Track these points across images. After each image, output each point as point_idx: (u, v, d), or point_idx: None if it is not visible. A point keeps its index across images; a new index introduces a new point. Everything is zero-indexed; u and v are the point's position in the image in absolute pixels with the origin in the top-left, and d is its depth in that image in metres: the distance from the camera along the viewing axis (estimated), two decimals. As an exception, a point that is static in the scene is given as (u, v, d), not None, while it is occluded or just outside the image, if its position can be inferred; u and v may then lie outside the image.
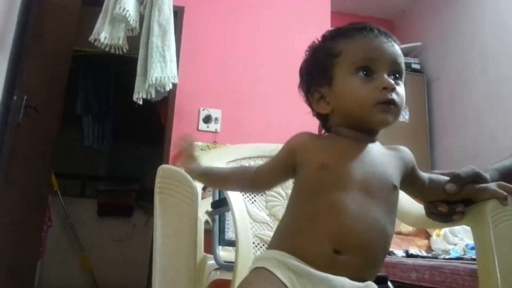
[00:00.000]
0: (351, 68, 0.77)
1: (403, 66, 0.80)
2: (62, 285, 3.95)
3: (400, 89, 0.78)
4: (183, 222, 0.80)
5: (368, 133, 0.81)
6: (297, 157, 0.80)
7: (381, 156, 0.81)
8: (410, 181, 0.86)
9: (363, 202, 0.74)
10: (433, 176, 0.90)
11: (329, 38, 0.83)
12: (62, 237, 4.12)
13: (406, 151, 0.87)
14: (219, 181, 0.90)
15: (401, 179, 0.83)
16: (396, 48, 0.79)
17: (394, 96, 0.76)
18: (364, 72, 0.76)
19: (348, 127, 0.80)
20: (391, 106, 0.76)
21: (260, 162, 1.17)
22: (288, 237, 0.76)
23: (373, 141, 0.82)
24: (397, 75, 0.79)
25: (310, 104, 0.85)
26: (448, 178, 0.87)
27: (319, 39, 0.85)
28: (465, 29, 3.43)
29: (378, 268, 0.77)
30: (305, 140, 0.81)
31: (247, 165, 0.88)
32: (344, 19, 4.09)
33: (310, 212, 0.74)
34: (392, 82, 0.76)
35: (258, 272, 0.72)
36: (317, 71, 0.82)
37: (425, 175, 0.90)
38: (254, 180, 0.84)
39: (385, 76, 0.76)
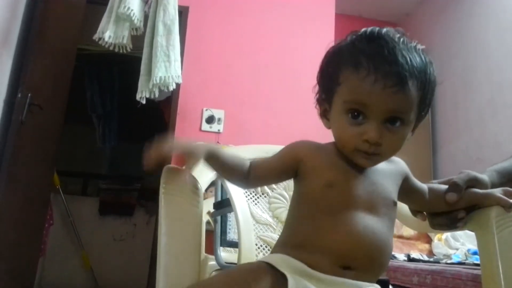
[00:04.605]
0: (344, 107, 0.75)
1: (403, 113, 0.73)
2: (63, 283, 3.95)
3: (392, 135, 0.73)
4: (188, 222, 0.80)
5: None
6: (301, 166, 0.80)
7: (381, 172, 0.82)
8: (406, 193, 0.87)
9: (368, 221, 0.75)
10: (434, 186, 0.90)
11: (344, 52, 0.77)
12: (63, 235, 4.11)
13: (400, 162, 0.87)
14: (217, 166, 0.83)
15: (398, 192, 0.84)
16: (398, 96, 0.71)
17: (373, 149, 0.73)
18: (356, 114, 0.73)
19: None
20: (370, 156, 0.75)
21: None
22: (295, 250, 0.75)
23: None
24: (396, 120, 0.73)
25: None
26: (446, 186, 0.87)
27: (334, 46, 0.80)
28: (469, 33, 3.43)
29: (381, 275, 0.79)
30: (311, 152, 0.81)
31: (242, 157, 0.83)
32: (349, 22, 4.15)
33: (318, 231, 0.75)
34: (377, 136, 0.72)
35: (261, 263, 0.74)
36: (323, 88, 0.81)
37: (424, 185, 0.90)
38: (249, 175, 0.82)
39: (374, 125, 0.72)
